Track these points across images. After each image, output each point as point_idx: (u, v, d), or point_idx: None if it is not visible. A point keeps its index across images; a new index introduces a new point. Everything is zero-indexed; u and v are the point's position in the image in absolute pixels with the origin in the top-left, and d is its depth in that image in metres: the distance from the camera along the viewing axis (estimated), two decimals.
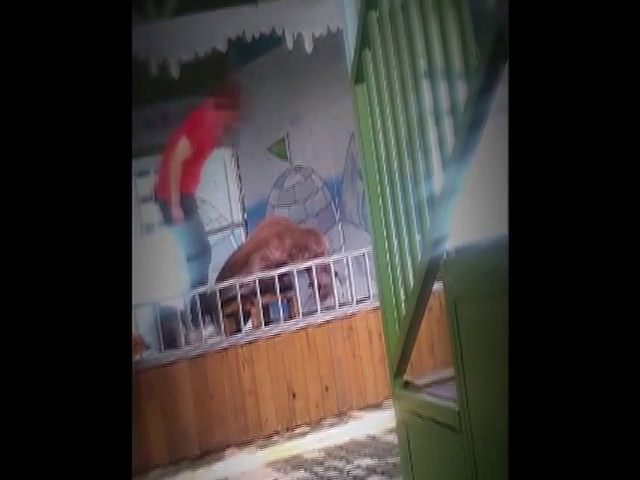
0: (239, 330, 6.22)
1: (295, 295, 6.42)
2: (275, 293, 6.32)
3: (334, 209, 8.25)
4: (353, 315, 6.32)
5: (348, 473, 4.60)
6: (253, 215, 9.20)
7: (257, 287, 6.24)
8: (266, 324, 6.35)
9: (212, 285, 6.49)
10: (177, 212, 6.51)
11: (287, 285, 6.50)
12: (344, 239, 8.14)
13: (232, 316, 6.40)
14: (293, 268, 6.41)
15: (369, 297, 6.35)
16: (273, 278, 6.30)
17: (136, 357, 5.76)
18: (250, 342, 6.04)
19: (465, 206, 2.42)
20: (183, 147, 6.59)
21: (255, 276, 6.31)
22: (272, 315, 6.74)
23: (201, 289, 6.30)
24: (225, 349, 5.97)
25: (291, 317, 6.45)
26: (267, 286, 6.35)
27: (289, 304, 6.61)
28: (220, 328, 6.26)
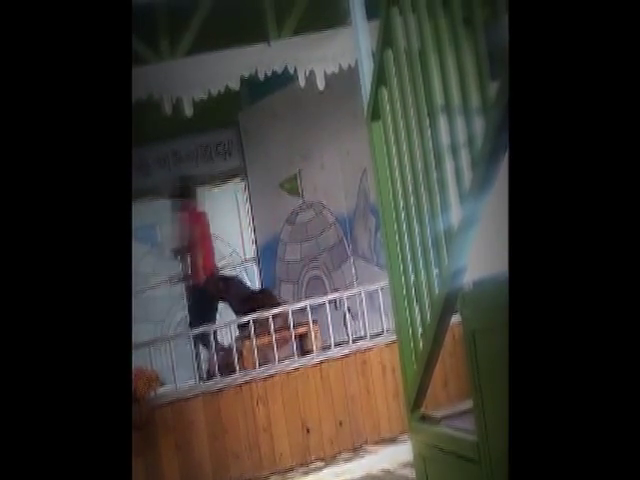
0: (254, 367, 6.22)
1: (309, 331, 6.43)
2: (289, 329, 6.34)
3: (346, 244, 8.27)
4: (367, 350, 6.33)
5: None
6: (265, 251, 9.23)
7: (271, 323, 6.26)
8: (280, 360, 6.36)
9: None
10: None
11: (301, 321, 6.51)
12: (356, 274, 8.15)
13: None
14: (307, 303, 6.43)
15: (383, 332, 6.36)
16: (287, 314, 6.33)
17: (151, 393, 5.77)
18: (265, 378, 6.05)
19: (481, 239, 2.45)
20: None
21: (269, 312, 6.34)
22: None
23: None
24: (240, 385, 5.98)
25: (304, 353, 6.46)
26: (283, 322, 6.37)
27: (302, 340, 6.61)
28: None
